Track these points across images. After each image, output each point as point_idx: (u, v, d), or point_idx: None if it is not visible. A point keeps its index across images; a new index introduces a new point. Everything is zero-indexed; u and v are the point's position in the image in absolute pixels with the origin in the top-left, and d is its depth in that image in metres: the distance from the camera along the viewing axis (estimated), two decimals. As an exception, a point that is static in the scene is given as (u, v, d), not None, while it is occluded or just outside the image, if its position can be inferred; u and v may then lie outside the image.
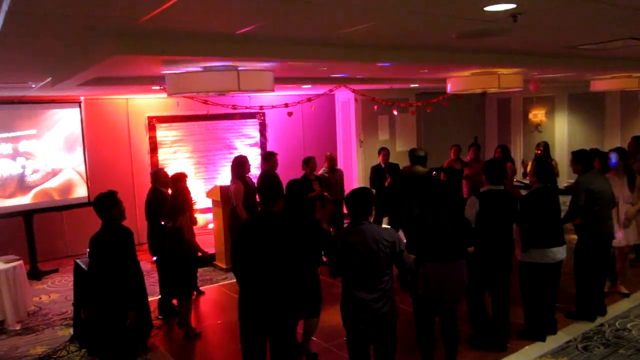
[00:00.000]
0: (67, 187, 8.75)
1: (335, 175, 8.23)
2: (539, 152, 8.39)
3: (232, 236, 5.63)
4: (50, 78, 6.09)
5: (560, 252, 5.09)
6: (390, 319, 3.86)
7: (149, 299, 5.45)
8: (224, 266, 8.02)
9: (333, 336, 5.32)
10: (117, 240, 4.33)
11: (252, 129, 11.00)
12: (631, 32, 4.90)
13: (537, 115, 13.87)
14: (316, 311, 4.85)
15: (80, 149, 8.79)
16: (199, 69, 5.08)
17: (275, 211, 3.91)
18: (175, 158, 10.05)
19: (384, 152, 8.34)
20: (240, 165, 6.77)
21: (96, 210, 4.41)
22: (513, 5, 3.41)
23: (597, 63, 7.18)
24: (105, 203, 4.37)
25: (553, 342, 5.17)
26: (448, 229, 4.24)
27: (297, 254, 3.88)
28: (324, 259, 4.27)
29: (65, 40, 3.90)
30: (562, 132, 13.48)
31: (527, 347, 5.07)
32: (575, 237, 8.17)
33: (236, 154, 9.90)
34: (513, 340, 5.16)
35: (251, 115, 10.78)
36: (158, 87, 6.88)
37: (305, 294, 4.70)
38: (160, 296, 6.34)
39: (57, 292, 7.56)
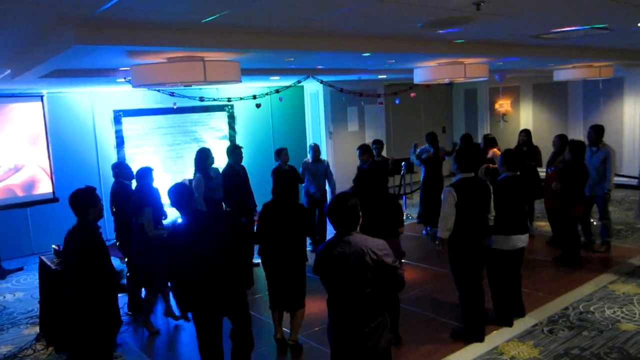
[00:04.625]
0: (31, 183, 8.54)
1: (319, 166, 8.22)
2: (525, 138, 8.26)
3: None
4: (9, 70, 5.92)
5: (522, 240, 5.19)
6: (381, 344, 3.30)
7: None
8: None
9: (309, 325, 5.34)
10: (89, 242, 4.13)
11: (220, 122, 10.90)
12: (592, 21, 5.02)
13: (503, 105, 14.12)
14: (301, 302, 4.94)
15: (43, 144, 8.58)
16: (164, 60, 5.01)
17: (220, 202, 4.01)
18: (143, 152, 9.90)
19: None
20: (201, 158, 6.62)
21: (73, 206, 4.04)
22: (476, -6, 3.46)
23: (559, 52, 7.32)
24: (84, 200, 3.99)
25: (520, 326, 5.28)
26: (378, 210, 4.50)
27: (231, 247, 3.94)
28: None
29: (23, 30, 3.79)
30: (527, 121, 13.74)
31: (495, 332, 5.17)
32: (544, 224, 8.44)
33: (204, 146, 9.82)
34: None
35: (219, 108, 10.67)
36: (123, 79, 6.75)
37: (293, 287, 4.82)
38: (128, 292, 6.24)
39: (22, 290, 7.39)
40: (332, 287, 3.36)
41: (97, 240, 4.10)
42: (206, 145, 10.08)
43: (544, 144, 8.08)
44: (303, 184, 8.11)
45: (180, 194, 4.01)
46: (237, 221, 4.09)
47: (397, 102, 10.26)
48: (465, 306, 5.00)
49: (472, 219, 4.83)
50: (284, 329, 5.12)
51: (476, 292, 4.95)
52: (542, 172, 8.00)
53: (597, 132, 7.34)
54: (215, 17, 3.71)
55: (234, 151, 7.17)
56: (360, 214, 3.36)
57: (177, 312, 5.77)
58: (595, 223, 7.67)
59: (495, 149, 7.83)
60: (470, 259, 4.88)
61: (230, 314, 4.10)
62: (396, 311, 4.89)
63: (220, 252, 3.90)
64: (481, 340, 4.99)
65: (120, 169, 6.21)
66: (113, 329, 4.37)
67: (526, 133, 8.36)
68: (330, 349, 3.48)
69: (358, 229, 3.34)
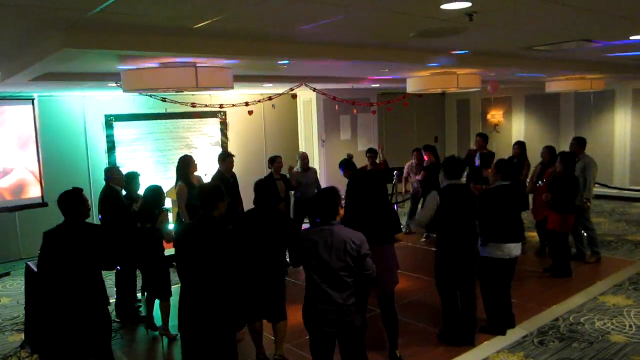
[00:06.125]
0: (20, 187, 8.46)
1: (308, 175, 8.17)
2: (517, 151, 8.34)
3: None
4: (-1, 73, 5.88)
5: (516, 249, 5.19)
6: (356, 321, 3.79)
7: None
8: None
9: (294, 337, 5.28)
10: (86, 237, 4.12)
11: (213, 128, 10.87)
12: (584, 33, 5.04)
13: (495, 115, 14.19)
14: (283, 314, 4.75)
15: (33, 148, 8.51)
16: (156, 65, 4.98)
17: (215, 216, 3.76)
18: (134, 157, 9.84)
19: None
20: (183, 166, 6.42)
21: (63, 206, 4.12)
22: (469, 4, 3.46)
23: (551, 64, 7.36)
24: (72, 201, 4.11)
25: (510, 337, 5.25)
26: (374, 216, 4.50)
27: (231, 263, 3.73)
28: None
29: (13, 33, 3.76)
30: (520, 132, 13.80)
31: (486, 342, 5.14)
32: (533, 234, 8.46)
33: (195, 153, 9.80)
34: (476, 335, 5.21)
35: (212, 115, 10.65)
36: (114, 84, 6.71)
37: (273, 298, 4.66)
38: (116, 298, 6.17)
39: (8, 296, 7.29)
40: (312, 269, 3.70)
41: (94, 235, 4.14)
42: (198, 152, 10.11)
43: (536, 154, 8.10)
44: (295, 193, 8.06)
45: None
46: (224, 231, 3.88)
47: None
48: (445, 310, 5.11)
49: (459, 225, 4.88)
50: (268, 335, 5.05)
51: (455, 298, 5.03)
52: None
53: (580, 143, 7.47)
54: (207, 23, 3.69)
55: (226, 159, 7.13)
56: (341, 207, 3.81)
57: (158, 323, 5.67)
58: (585, 234, 7.68)
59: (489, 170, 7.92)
60: (455, 265, 4.93)
61: (214, 336, 3.75)
62: (395, 329, 4.81)
63: (208, 266, 3.67)
64: (471, 343, 5.03)
65: (113, 174, 6.15)
66: (103, 335, 4.30)
67: (520, 146, 8.41)
68: (308, 328, 3.83)
69: (338, 220, 3.77)
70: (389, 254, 4.63)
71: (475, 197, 5.10)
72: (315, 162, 11.20)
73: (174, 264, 5.57)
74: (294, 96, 8.59)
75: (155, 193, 5.46)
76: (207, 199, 3.75)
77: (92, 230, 4.20)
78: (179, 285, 3.89)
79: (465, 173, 8.02)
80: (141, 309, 6.24)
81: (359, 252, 3.64)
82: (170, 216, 8.66)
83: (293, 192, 8.12)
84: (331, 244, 3.63)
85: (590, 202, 7.33)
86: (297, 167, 8.22)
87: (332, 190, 3.84)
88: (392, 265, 4.66)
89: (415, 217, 4.98)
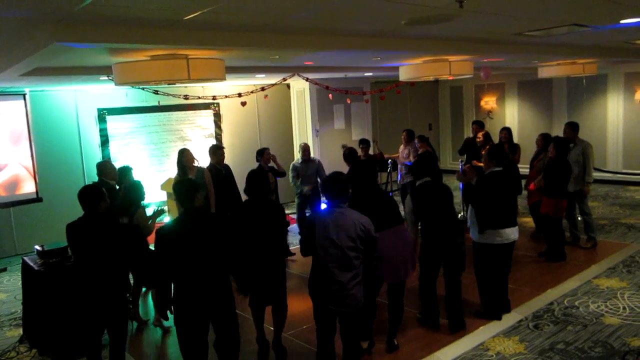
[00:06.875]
0: (14, 183, 8.43)
1: (309, 166, 8.15)
2: (503, 136, 8.44)
3: None
4: (-11, 68, 5.83)
5: (513, 233, 5.24)
6: (359, 299, 3.95)
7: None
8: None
9: (292, 326, 5.32)
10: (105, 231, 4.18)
11: (206, 120, 10.85)
12: (574, 18, 5.05)
13: (489, 102, 14.21)
14: (284, 301, 4.82)
15: (26, 143, 8.47)
16: (147, 58, 4.95)
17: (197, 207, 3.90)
18: (128, 150, 9.82)
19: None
20: (179, 158, 6.77)
21: (85, 200, 4.17)
22: (459, -9, 3.46)
23: (542, 50, 7.36)
24: (92, 195, 4.18)
25: (505, 321, 5.31)
26: (377, 200, 4.64)
27: (221, 250, 3.86)
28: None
29: (2, 27, 3.73)
30: (513, 118, 13.84)
31: (481, 327, 5.20)
32: (528, 219, 8.52)
33: (190, 145, 9.79)
34: (470, 320, 5.27)
35: (205, 106, 10.62)
36: (106, 77, 6.69)
37: (273, 285, 4.72)
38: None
39: (5, 292, 7.30)
40: (321, 248, 3.86)
41: (113, 229, 4.23)
42: (192, 144, 10.09)
43: (530, 140, 8.17)
44: (296, 184, 8.06)
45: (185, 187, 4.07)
46: (222, 220, 3.99)
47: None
48: (422, 294, 5.28)
49: (438, 218, 5.00)
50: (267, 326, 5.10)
51: (431, 284, 5.18)
52: (522, 168, 8.09)
53: (572, 128, 7.54)
54: (197, 14, 3.68)
55: (216, 151, 7.21)
56: (350, 191, 4.03)
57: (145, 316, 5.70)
58: (579, 218, 7.74)
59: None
60: (438, 254, 5.07)
61: (216, 319, 3.95)
62: (398, 319, 4.87)
63: (211, 251, 3.82)
64: (436, 327, 5.22)
65: (105, 168, 6.15)
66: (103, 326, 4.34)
67: (507, 131, 8.56)
68: (313, 302, 4.03)
69: (347, 204, 3.98)
70: (400, 236, 4.65)
71: (449, 189, 5.17)
72: (310, 152, 11.18)
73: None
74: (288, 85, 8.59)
75: (133, 189, 5.53)
76: (184, 194, 3.90)
77: (111, 225, 4.25)
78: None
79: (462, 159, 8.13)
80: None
81: (367, 234, 3.85)
82: (166, 208, 8.73)
83: (295, 181, 8.09)
84: (341, 224, 3.82)
85: (589, 185, 7.38)
86: (298, 159, 8.20)
87: (340, 175, 4.04)
88: (403, 247, 4.65)
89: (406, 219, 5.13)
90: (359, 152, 8.51)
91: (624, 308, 5.49)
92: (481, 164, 6.33)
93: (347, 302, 3.87)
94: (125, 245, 4.18)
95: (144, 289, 6.26)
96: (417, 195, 5.07)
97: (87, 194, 4.16)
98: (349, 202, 4.10)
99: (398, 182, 9.20)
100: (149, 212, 5.65)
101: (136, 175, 6.19)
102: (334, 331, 4.08)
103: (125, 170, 6.06)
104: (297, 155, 8.23)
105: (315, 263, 3.96)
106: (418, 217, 5.09)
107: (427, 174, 5.09)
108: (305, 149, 8.17)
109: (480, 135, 8.57)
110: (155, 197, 9.19)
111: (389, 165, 9.64)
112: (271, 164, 7.71)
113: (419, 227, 5.19)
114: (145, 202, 5.69)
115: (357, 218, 3.87)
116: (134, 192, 5.50)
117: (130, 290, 4.41)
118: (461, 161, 8.97)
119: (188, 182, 4.19)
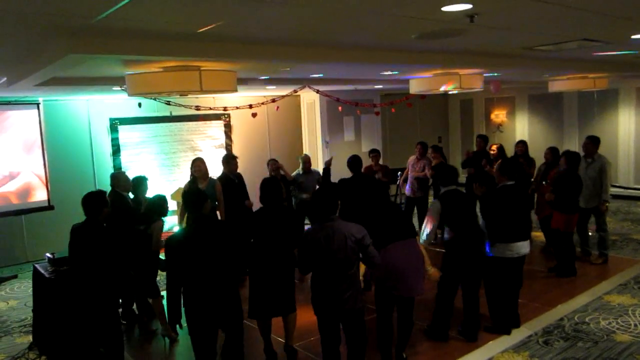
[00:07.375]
0: (26, 191, 8.52)
1: (309, 178, 8.16)
2: (519, 150, 8.37)
3: None
4: (5, 78, 5.92)
5: (524, 247, 5.21)
6: (357, 306, 4.05)
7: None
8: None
9: (299, 338, 5.30)
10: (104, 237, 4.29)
11: (217, 131, 10.91)
12: (584, 33, 5.05)
13: (499, 115, 14.18)
14: (293, 306, 4.88)
15: (39, 151, 8.58)
16: (159, 70, 5.02)
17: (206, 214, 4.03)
18: (139, 160, 9.89)
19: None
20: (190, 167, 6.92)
21: (87, 206, 4.37)
22: (469, 6, 3.48)
23: (553, 64, 7.36)
24: (99, 201, 4.37)
25: (515, 336, 5.27)
26: (384, 214, 4.65)
27: (229, 257, 3.95)
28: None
29: (19, 39, 3.80)
30: (523, 131, 13.79)
31: (490, 342, 5.16)
32: (538, 234, 8.47)
33: (200, 155, 9.84)
34: (479, 334, 5.24)
35: (216, 117, 10.69)
36: (119, 88, 6.76)
37: (284, 291, 4.76)
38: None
39: (15, 298, 7.35)
40: (318, 262, 3.96)
41: (111, 238, 4.38)
42: (202, 154, 10.14)
43: (540, 154, 8.11)
44: (294, 194, 8.12)
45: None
46: (231, 229, 4.07)
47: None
48: (438, 305, 5.23)
49: (463, 226, 5.03)
50: (275, 336, 5.09)
51: (452, 296, 5.15)
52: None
53: (593, 142, 7.35)
54: (210, 27, 3.73)
55: (229, 161, 7.28)
56: (339, 203, 4.12)
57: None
58: (591, 234, 7.68)
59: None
60: (462, 265, 5.05)
61: (225, 325, 4.05)
62: (408, 333, 4.83)
63: (219, 257, 3.89)
64: (445, 340, 5.19)
65: (118, 180, 6.19)
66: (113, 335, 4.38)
67: (523, 144, 8.44)
68: (316, 314, 4.15)
69: (337, 213, 4.04)
70: (412, 249, 4.64)
71: (474, 199, 5.22)
72: (319, 164, 11.21)
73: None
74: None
75: (160, 200, 5.62)
76: (193, 202, 4.05)
77: (109, 232, 4.35)
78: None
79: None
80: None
81: (360, 243, 3.93)
82: (176, 217, 8.77)
83: (296, 192, 8.16)
84: (333, 238, 3.90)
85: (608, 202, 7.25)
86: (299, 169, 8.26)
87: (325, 190, 4.21)
88: (417, 261, 4.64)
89: (422, 236, 5.11)
90: (370, 161, 8.53)
91: (636, 325, 5.43)
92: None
93: (343, 309, 3.99)
94: (128, 250, 4.28)
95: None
96: (445, 200, 5.08)
97: (89, 200, 4.32)
98: (361, 215, 4.15)
99: (407, 193, 9.14)
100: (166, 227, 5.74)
101: (149, 185, 6.27)
102: (339, 341, 4.18)
103: (141, 180, 6.11)
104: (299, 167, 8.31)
105: (314, 278, 4.09)
106: (444, 221, 5.08)
107: (453, 182, 5.14)
108: (306, 160, 8.27)
109: (494, 147, 8.54)
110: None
111: (398, 178, 9.64)
112: (281, 172, 7.81)
113: (439, 236, 5.23)
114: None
115: (348, 229, 3.94)
116: (159, 205, 5.58)
117: (123, 297, 4.50)
118: (465, 175, 8.97)
119: (196, 191, 4.31)
